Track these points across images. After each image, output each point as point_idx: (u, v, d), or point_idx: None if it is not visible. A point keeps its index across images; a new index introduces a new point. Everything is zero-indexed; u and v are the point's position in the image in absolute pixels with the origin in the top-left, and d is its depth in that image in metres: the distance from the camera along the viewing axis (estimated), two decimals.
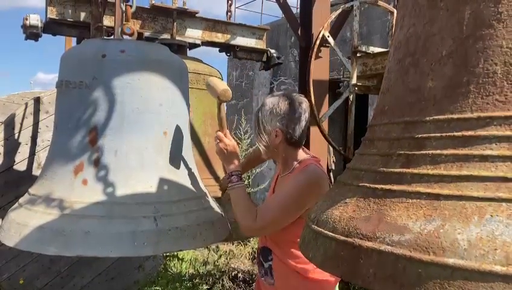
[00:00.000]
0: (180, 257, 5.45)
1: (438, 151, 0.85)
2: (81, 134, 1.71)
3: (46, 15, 2.93)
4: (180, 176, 1.84)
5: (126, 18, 1.85)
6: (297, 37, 3.67)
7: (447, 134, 0.86)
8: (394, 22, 3.36)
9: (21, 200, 1.80)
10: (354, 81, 3.37)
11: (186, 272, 5.30)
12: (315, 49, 3.25)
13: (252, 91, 11.92)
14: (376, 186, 0.93)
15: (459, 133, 0.84)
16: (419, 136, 0.90)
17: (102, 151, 1.69)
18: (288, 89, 10.17)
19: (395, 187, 0.89)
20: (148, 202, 1.67)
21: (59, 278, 3.98)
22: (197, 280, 5.08)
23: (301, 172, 1.94)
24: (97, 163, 1.68)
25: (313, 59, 3.25)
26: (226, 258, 5.74)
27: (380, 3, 3.50)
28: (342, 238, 0.90)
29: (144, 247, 1.58)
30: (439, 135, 0.87)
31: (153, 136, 1.77)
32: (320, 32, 3.24)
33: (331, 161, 3.36)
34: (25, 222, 1.64)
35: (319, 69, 3.39)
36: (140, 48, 1.84)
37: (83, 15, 2.99)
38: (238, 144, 1.95)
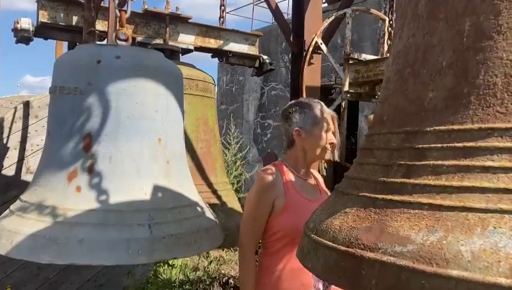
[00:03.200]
0: (171, 263, 5.39)
1: (439, 162, 0.86)
2: (75, 140, 1.69)
3: (38, 19, 2.89)
4: (175, 183, 1.82)
5: (120, 23, 1.84)
6: (289, 43, 3.67)
7: (448, 145, 0.86)
8: (386, 30, 3.39)
9: (12, 207, 1.76)
10: (346, 88, 3.39)
11: (176, 278, 5.25)
12: (308, 56, 3.26)
13: (242, 96, 11.92)
14: (377, 196, 0.93)
15: (460, 144, 0.84)
16: (420, 146, 0.90)
17: (96, 158, 1.67)
18: (279, 95, 10.20)
19: (396, 197, 0.89)
20: (143, 209, 1.66)
21: (47, 284, 3.91)
22: (187, 286, 5.04)
23: None
24: (91, 170, 1.66)
25: (305, 66, 3.26)
26: (217, 264, 5.70)
27: (372, 11, 3.53)
28: (343, 248, 0.90)
29: (139, 255, 1.56)
30: (440, 145, 0.87)
31: (148, 142, 1.75)
32: (313, 39, 3.26)
33: (323, 166, 3.36)
34: (16, 229, 1.61)
35: (311, 76, 3.40)
36: (136, 54, 1.83)
37: (75, 19, 2.96)
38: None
